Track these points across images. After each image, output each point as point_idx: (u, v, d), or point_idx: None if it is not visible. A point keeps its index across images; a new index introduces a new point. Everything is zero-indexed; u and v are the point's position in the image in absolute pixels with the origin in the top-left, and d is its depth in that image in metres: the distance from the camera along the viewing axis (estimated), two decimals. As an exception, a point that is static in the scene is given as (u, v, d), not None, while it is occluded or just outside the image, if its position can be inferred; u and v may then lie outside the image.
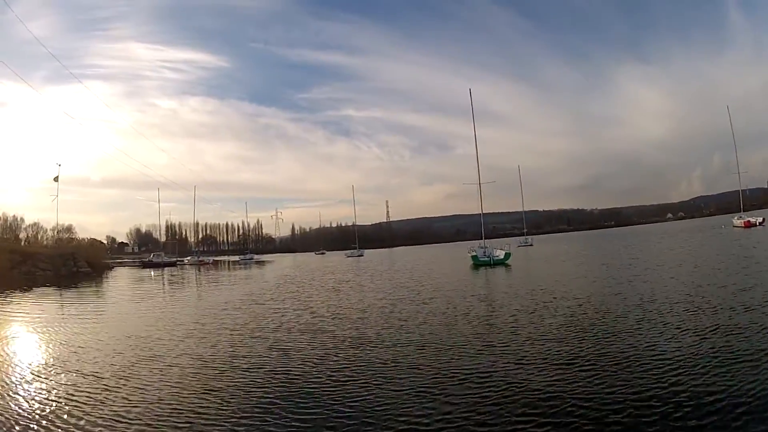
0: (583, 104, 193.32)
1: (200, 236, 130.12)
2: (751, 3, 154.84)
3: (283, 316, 12.27)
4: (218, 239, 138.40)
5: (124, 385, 6.42)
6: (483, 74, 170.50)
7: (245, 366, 7.22)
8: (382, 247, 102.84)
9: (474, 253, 28.18)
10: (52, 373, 7.27)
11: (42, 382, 6.74)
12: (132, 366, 7.48)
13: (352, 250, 70.33)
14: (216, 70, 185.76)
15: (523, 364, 6.49)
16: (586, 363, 6.30)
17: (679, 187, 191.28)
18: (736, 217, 51.94)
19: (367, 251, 75.15)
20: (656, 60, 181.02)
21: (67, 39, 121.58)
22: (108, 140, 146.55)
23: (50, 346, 9.68)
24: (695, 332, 7.48)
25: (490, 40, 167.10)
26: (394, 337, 8.74)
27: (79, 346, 9.41)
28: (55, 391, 6.24)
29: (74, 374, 7.11)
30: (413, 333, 9.05)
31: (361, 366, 6.86)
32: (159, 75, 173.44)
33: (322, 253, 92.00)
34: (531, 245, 53.17)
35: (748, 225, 45.71)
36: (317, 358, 7.49)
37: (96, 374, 7.03)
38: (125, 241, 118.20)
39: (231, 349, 8.48)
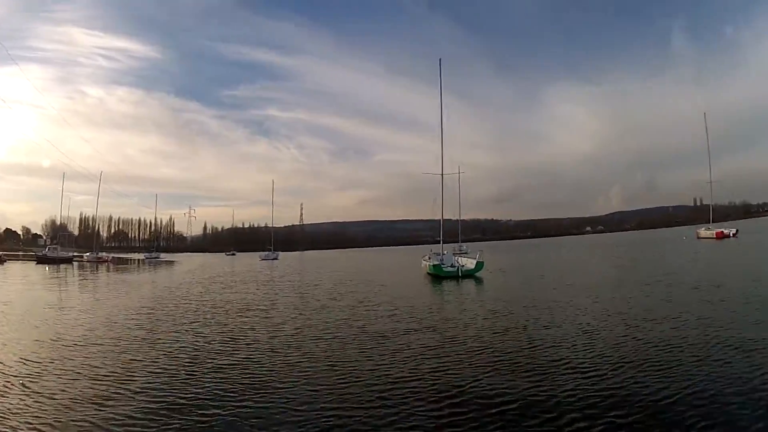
0: (510, 119, 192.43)
1: (112, 231, 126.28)
2: (695, 27, 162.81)
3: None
4: (130, 235, 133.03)
5: None
6: (413, 83, 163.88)
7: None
8: (293, 250, 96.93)
9: (434, 262, 21.48)
10: None
11: None
12: None
13: (267, 252, 64.70)
14: (147, 60, 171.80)
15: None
16: None
17: (596, 202, 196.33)
18: (703, 228, 51.40)
19: (280, 254, 69.54)
20: (592, 78, 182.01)
21: (14, 19, 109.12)
22: (36, 127, 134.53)
23: None
24: None
25: (425, 49, 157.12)
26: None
27: None
28: None
29: None
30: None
31: None
32: (92, 62, 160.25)
33: (233, 254, 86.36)
34: (467, 253, 48.02)
35: (721, 236, 45.56)
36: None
37: None
38: (40, 233, 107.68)
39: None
